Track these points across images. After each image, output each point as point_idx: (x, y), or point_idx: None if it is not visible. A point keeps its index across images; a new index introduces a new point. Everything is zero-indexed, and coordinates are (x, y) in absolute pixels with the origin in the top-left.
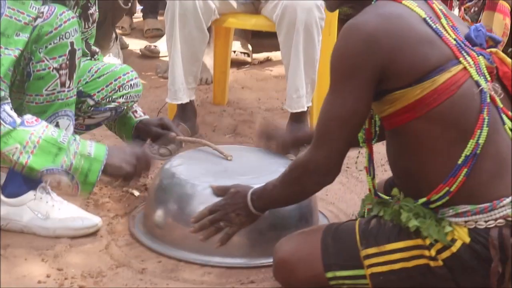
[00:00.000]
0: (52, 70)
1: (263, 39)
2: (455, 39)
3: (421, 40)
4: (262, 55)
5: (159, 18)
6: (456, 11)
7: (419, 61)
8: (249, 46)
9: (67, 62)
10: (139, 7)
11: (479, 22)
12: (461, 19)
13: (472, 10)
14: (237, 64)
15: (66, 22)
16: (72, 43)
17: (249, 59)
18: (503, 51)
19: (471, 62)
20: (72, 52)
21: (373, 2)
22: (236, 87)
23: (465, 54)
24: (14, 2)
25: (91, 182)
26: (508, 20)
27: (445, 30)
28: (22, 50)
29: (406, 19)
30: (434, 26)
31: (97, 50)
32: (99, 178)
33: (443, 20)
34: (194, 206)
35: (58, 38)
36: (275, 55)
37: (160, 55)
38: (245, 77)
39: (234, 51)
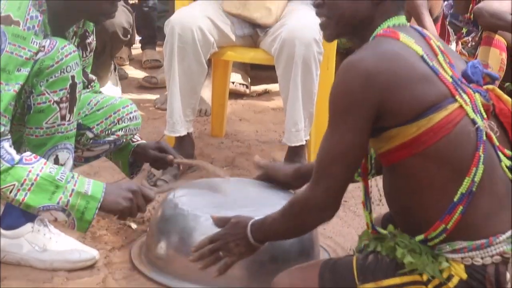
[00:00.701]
0: (53, 104)
1: (261, 71)
2: (451, 77)
3: (418, 78)
4: (260, 87)
5: (158, 49)
6: (453, 45)
7: (415, 99)
8: (248, 78)
9: (68, 96)
10: (138, 38)
11: (477, 56)
12: (459, 53)
13: (469, 45)
14: (236, 96)
15: (67, 56)
16: (73, 77)
17: (247, 91)
18: (500, 85)
19: (467, 100)
20: (73, 86)
21: (371, 38)
22: (234, 119)
23: (461, 91)
24: (15, 37)
25: (88, 220)
26: (504, 55)
27: (442, 67)
28: (22, 85)
29: (403, 56)
30: (431, 64)
31: (94, 78)
32: (97, 214)
33: (440, 57)
34: (196, 238)
35: (59, 71)
36: (273, 87)
37: (159, 86)
38: (243, 109)
39: (233, 82)
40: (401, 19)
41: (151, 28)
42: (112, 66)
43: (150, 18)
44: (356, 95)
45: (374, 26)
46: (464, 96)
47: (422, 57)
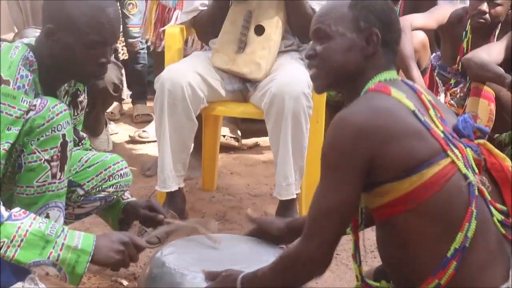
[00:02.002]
0: (44, 162)
1: (252, 124)
2: (443, 132)
3: (409, 133)
4: (251, 141)
5: (148, 103)
6: (442, 96)
7: (407, 155)
8: (239, 132)
9: (59, 154)
10: (128, 93)
11: (465, 107)
12: (448, 104)
13: (458, 96)
14: (226, 149)
15: (58, 114)
16: (64, 135)
17: (238, 144)
18: (489, 136)
19: (459, 155)
20: (64, 144)
21: (362, 92)
22: (225, 172)
23: (452, 146)
24: (5, 96)
25: (79, 273)
26: (493, 106)
27: (433, 122)
28: (13, 143)
29: (394, 112)
30: (423, 119)
31: (85, 136)
32: (88, 266)
33: (432, 112)
34: None
35: (50, 130)
36: (264, 140)
37: (150, 140)
38: (234, 162)
39: (224, 136)
40: (392, 73)
41: (141, 83)
42: (104, 122)
43: (140, 74)
44: (348, 150)
45: (365, 80)
46: (456, 151)
47: (413, 112)
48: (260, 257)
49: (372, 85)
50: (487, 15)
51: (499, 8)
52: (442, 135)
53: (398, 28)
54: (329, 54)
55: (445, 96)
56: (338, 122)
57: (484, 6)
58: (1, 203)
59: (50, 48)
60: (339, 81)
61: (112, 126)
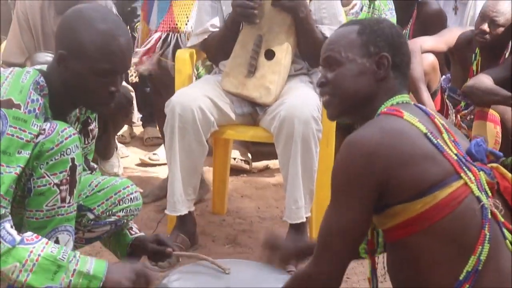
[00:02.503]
0: (53, 186)
1: (262, 147)
2: (456, 154)
3: (422, 155)
4: (261, 163)
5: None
6: (452, 118)
7: (419, 177)
8: (249, 154)
9: (68, 178)
10: (138, 115)
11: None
12: (458, 126)
13: (468, 118)
14: (237, 172)
15: (67, 138)
16: (73, 159)
17: (248, 167)
18: None
19: (472, 178)
20: (73, 168)
21: (375, 116)
22: (236, 195)
23: (466, 169)
24: (16, 120)
25: None
26: (498, 128)
27: (447, 145)
28: (23, 167)
29: (406, 134)
30: (435, 142)
31: (95, 166)
32: None
33: (445, 135)
34: None
35: (59, 154)
36: (274, 163)
37: (160, 163)
38: (245, 185)
39: (234, 159)
40: (405, 97)
41: (152, 106)
42: (114, 145)
43: (151, 97)
44: (359, 172)
45: (378, 104)
46: (469, 173)
47: (426, 134)
48: (268, 283)
49: (384, 108)
50: (488, 36)
51: (500, 29)
52: (455, 157)
53: (407, 51)
54: (341, 80)
55: (456, 118)
56: (349, 144)
57: (485, 26)
58: (13, 227)
59: (61, 74)
60: (352, 107)
61: (122, 149)
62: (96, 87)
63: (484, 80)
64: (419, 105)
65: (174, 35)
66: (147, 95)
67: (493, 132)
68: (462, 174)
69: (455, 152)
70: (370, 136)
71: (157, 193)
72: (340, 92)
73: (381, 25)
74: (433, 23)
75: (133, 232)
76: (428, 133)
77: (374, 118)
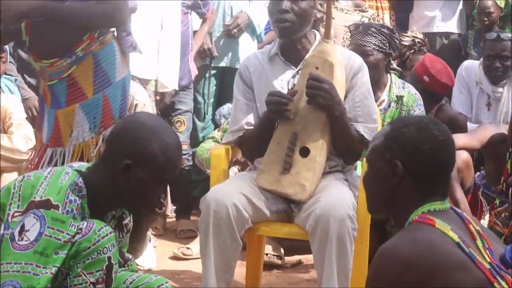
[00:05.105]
0: (89, 285)
1: (295, 242)
2: (489, 263)
3: (453, 266)
4: (294, 258)
5: (192, 218)
6: (487, 216)
7: (451, 287)
8: (282, 249)
9: (104, 277)
10: (172, 207)
11: (510, 226)
12: (492, 223)
13: (503, 215)
14: (269, 267)
15: (104, 237)
16: (109, 258)
17: (281, 262)
18: None
19: (506, 287)
20: (109, 267)
21: (406, 224)
22: None
23: (499, 278)
24: (54, 221)
25: None
26: None
27: (480, 252)
28: (59, 267)
29: (438, 245)
30: (468, 251)
31: (130, 257)
32: None
33: (479, 242)
34: None
35: (96, 253)
36: (307, 257)
37: (193, 257)
38: (278, 280)
39: (267, 254)
40: (437, 204)
41: (186, 199)
42: (148, 238)
43: (186, 190)
44: (391, 283)
45: (404, 208)
46: (503, 283)
47: (458, 244)
48: None
49: (415, 216)
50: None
51: None
52: (488, 266)
53: (432, 158)
54: (366, 181)
55: (490, 216)
56: (382, 255)
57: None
58: None
59: (115, 180)
60: (379, 207)
61: (155, 242)
62: (150, 195)
63: None
64: (456, 209)
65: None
66: (182, 188)
67: None
68: (495, 284)
69: (489, 260)
70: (403, 247)
71: None
72: (367, 192)
73: (404, 130)
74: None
75: None
76: (460, 242)
77: (406, 226)
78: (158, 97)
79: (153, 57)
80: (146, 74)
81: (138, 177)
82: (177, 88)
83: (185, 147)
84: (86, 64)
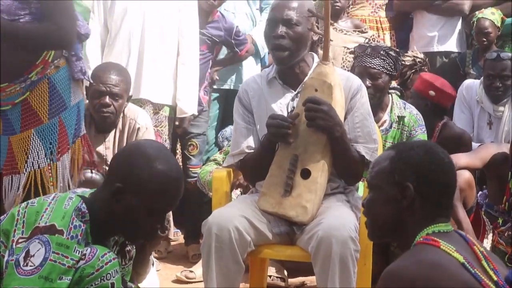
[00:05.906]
0: None
1: (298, 263)
2: (495, 283)
3: (459, 287)
4: (297, 280)
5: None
6: (490, 236)
7: None
8: (285, 271)
9: None
10: (175, 230)
11: None
12: (496, 243)
13: (506, 234)
14: None
15: (107, 263)
16: (112, 284)
17: (284, 284)
18: None
19: None
20: None
21: (412, 245)
22: None
23: None
24: (58, 246)
25: None
26: None
27: (486, 273)
28: None
29: (443, 266)
30: (473, 271)
31: (132, 286)
32: None
33: (484, 263)
34: None
35: (99, 279)
36: (310, 279)
37: (196, 280)
38: None
39: (270, 276)
40: (441, 226)
41: (195, 225)
42: (151, 262)
43: (194, 214)
44: None
45: (411, 231)
46: None
47: (463, 264)
48: None
49: (420, 238)
50: None
51: None
52: (494, 286)
53: (441, 179)
54: (370, 206)
55: (493, 235)
56: (388, 277)
57: None
58: None
59: (110, 204)
60: (385, 232)
61: (159, 265)
62: (144, 224)
63: None
64: (459, 232)
65: None
66: (191, 213)
67: None
68: None
69: (495, 279)
70: (408, 268)
71: None
72: (371, 217)
73: (411, 152)
74: (454, 146)
75: None
76: (466, 263)
77: (411, 248)
78: (177, 122)
79: (168, 83)
80: (160, 99)
81: (129, 204)
82: (196, 113)
83: (197, 170)
84: (41, 89)
